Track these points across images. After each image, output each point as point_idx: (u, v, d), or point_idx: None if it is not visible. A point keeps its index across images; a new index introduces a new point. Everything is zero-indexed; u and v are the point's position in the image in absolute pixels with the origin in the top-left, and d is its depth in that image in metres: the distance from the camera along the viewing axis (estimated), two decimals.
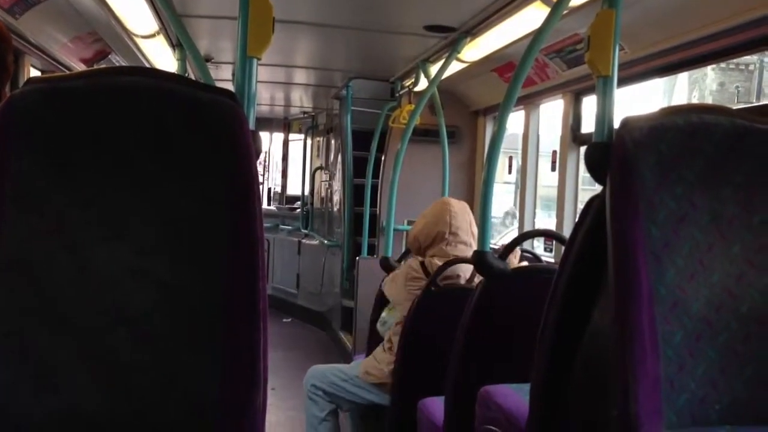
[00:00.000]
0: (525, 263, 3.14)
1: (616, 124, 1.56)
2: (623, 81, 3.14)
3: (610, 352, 1.42)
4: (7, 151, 1.33)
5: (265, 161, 9.47)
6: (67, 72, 3.54)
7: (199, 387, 1.34)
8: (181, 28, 3.10)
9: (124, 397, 1.33)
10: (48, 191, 1.34)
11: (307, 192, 8.00)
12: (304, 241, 7.81)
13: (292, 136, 9.17)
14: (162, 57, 4.49)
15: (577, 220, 1.67)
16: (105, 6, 3.37)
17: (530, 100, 4.42)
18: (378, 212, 5.56)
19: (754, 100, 23.17)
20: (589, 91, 3.83)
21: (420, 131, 4.83)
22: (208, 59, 4.77)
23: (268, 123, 8.91)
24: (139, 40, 4.10)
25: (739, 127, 1.51)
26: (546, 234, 3.78)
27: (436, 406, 2.76)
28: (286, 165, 9.33)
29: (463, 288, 2.99)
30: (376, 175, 5.50)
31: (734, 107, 2.01)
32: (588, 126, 3.99)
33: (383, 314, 3.33)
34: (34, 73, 3.75)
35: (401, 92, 5.15)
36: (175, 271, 1.35)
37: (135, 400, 1.34)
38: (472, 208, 3.29)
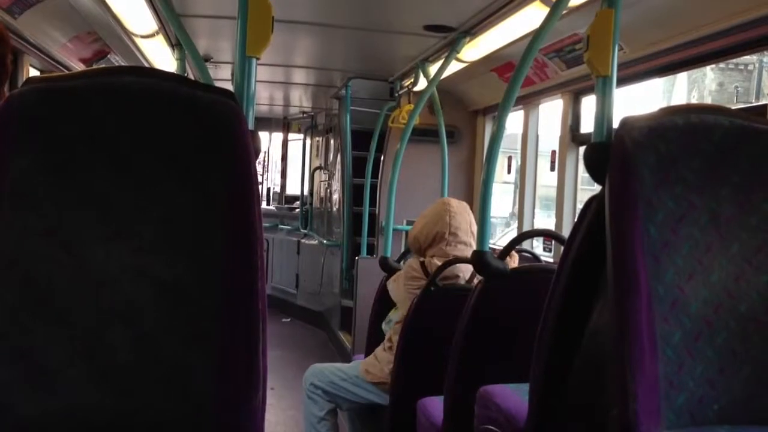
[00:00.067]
0: (517, 262, 3.13)
1: (616, 124, 1.56)
2: (622, 81, 3.14)
3: (608, 351, 1.42)
4: (5, 150, 1.33)
5: (264, 161, 9.46)
6: (66, 72, 3.54)
7: (198, 386, 1.34)
8: (180, 28, 3.10)
9: (121, 396, 1.33)
10: (46, 190, 1.34)
11: (306, 192, 8.00)
12: (303, 240, 7.81)
13: (291, 135, 9.17)
14: (161, 57, 4.49)
15: (576, 220, 1.67)
16: (104, 6, 3.37)
17: (529, 100, 4.42)
18: (377, 212, 5.56)
19: (753, 100, 23.20)
20: (588, 90, 3.83)
21: (419, 131, 4.82)
22: (207, 59, 4.77)
23: (267, 123, 8.90)
24: (138, 40, 4.10)
25: (738, 127, 1.52)
26: (545, 234, 3.78)
27: (435, 405, 2.76)
28: (286, 165, 9.33)
29: (463, 288, 2.98)
30: (375, 175, 5.50)
31: (733, 107, 2.02)
32: (587, 126, 3.99)
33: (390, 314, 3.33)
34: (33, 72, 3.75)
35: (400, 92, 5.15)
36: (174, 270, 1.35)
37: (133, 399, 1.34)
38: (471, 208, 3.29)
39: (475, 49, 3.88)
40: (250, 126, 1.48)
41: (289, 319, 7.61)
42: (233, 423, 1.34)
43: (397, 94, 5.28)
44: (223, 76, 5.40)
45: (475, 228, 3.15)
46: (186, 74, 4.31)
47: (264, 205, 8.85)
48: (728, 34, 2.62)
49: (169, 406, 1.34)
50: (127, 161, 1.36)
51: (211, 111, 1.39)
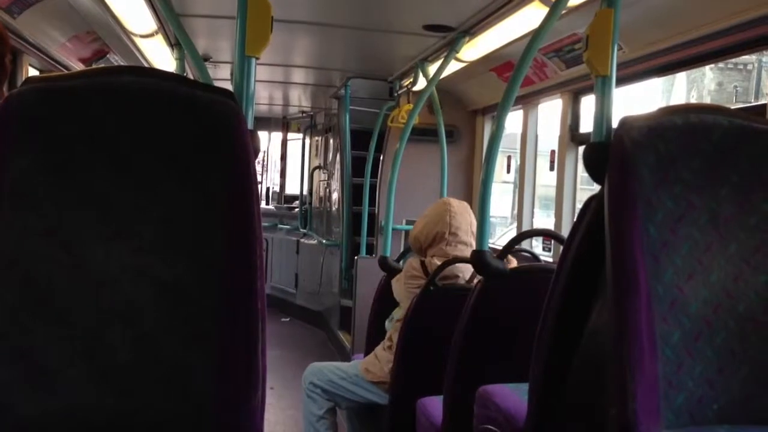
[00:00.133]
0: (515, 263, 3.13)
1: (615, 124, 1.56)
2: (622, 80, 3.15)
3: (608, 351, 1.42)
4: (5, 150, 1.33)
5: (263, 161, 9.47)
6: (66, 71, 3.54)
7: (197, 385, 1.34)
8: (179, 28, 3.09)
9: (121, 396, 1.33)
10: (46, 190, 1.34)
11: (305, 191, 8.00)
12: (302, 240, 7.81)
13: (290, 135, 9.17)
14: (160, 56, 4.49)
15: (575, 219, 1.67)
16: (103, 5, 3.36)
17: (529, 100, 4.42)
18: (376, 212, 5.55)
19: (753, 100, 23.21)
20: (587, 90, 3.83)
21: (418, 131, 4.82)
22: (206, 59, 4.77)
23: (266, 122, 8.90)
24: (137, 40, 4.10)
25: (737, 127, 1.52)
26: (544, 233, 3.78)
27: (434, 405, 2.76)
28: (285, 164, 9.32)
29: (462, 287, 2.98)
30: (374, 175, 5.50)
31: (732, 107, 2.02)
32: (586, 125, 3.99)
33: (394, 311, 3.33)
34: (33, 72, 3.74)
35: (400, 92, 5.15)
36: (174, 269, 1.35)
37: (132, 399, 1.34)
38: (470, 208, 3.29)
39: (475, 49, 3.88)
40: (250, 126, 1.48)
41: (288, 319, 7.61)
42: (233, 422, 1.35)
43: (396, 94, 5.28)
44: (222, 76, 5.39)
45: (476, 228, 3.15)
46: (185, 74, 4.31)
47: (263, 204, 8.85)
48: (727, 33, 2.62)
49: (169, 406, 1.34)
50: (127, 161, 1.36)
51: (211, 111, 1.39)
